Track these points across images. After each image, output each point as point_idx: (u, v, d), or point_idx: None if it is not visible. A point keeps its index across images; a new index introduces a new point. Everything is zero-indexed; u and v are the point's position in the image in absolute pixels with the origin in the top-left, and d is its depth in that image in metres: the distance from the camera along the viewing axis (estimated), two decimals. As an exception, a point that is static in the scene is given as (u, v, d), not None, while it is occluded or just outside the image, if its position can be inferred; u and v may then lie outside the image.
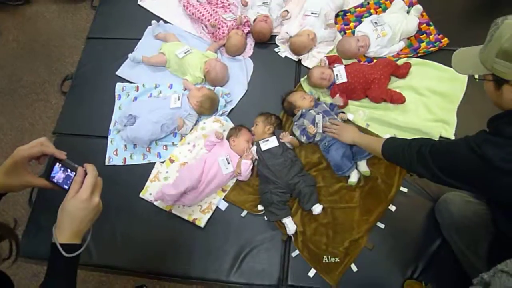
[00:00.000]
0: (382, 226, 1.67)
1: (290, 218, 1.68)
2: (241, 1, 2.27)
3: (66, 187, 0.92)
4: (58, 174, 0.94)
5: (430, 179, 1.25)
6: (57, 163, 0.94)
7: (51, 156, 0.95)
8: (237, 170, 1.76)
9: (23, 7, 2.67)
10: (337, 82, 1.91)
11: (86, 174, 0.91)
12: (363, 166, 1.76)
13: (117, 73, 2.20)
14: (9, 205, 2.03)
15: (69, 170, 0.94)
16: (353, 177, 1.73)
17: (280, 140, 1.77)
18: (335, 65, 1.97)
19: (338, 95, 1.90)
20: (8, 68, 2.50)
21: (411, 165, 1.30)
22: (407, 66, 1.99)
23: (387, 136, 1.80)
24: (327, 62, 2.01)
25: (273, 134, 1.83)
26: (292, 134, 1.87)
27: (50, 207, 1.79)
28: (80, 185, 0.90)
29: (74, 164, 0.94)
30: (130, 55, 2.19)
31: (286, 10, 2.20)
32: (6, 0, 2.65)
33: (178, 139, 1.96)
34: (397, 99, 1.90)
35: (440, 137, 1.83)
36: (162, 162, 1.90)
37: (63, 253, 0.85)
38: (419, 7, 2.09)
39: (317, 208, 1.66)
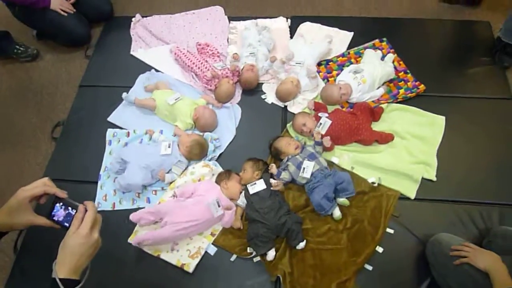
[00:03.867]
0: (370, 268, 1.68)
1: (274, 250, 1.70)
2: (232, 55, 2.39)
3: (66, 224, 0.96)
4: (59, 212, 0.98)
5: None
6: (58, 202, 0.98)
7: (52, 195, 0.99)
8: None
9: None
10: (320, 131, 1.99)
11: (86, 211, 0.95)
12: (343, 200, 1.80)
13: (108, 119, 2.25)
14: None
15: (69, 208, 0.98)
16: (336, 213, 1.77)
17: (273, 188, 1.81)
18: (320, 113, 2.06)
19: (327, 137, 1.96)
20: (-1, 115, 2.54)
21: None
22: (380, 111, 2.10)
23: (372, 179, 1.88)
24: (313, 105, 2.11)
25: (260, 178, 1.87)
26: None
27: (35, 253, 1.80)
28: (81, 221, 0.94)
29: (75, 202, 0.98)
30: (124, 94, 2.25)
31: (274, 56, 2.33)
32: (18, 56, 2.74)
33: (167, 183, 1.98)
34: (387, 136, 2.01)
35: (423, 178, 1.90)
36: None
37: None
38: (391, 55, 2.25)
39: (301, 244, 1.70)
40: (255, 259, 1.72)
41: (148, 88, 2.34)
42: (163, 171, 1.93)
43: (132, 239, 1.81)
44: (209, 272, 1.73)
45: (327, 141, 1.95)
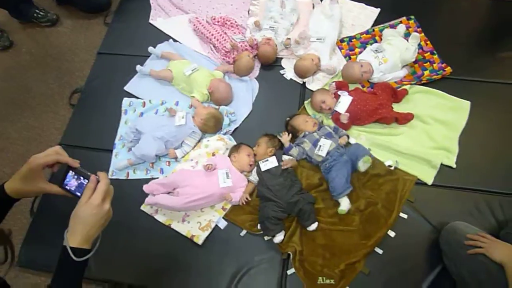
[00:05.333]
0: (380, 251, 1.67)
1: (283, 233, 1.68)
2: (254, 22, 2.33)
3: (78, 194, 0.97)
4: (71, 181, 0.98)
5: None
6: (71, 171, 0.99)
7: (65, 164, 0.99)
8: (228, 197, 1.76)
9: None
10: (338, 110, 1.94)
11: (98, 181, 0.95)
12: (361, 164, 1.74)
13: (125, 88, 2.24)
14: (10, 214, 2.05)
15: (82, 178, 0.98)
16: (343, 205, 1.71)
17: (283, 166, 1.78)
18: (340, 92, 2.01)
19: (346, 113, 1.92)
20: (18, 79, 2.56)
21: None
22: (403, 92, 2.03)
23: (389, 162, 1.83)
24: (335, 87, 2.05)
25: (273, 155, 1.85)
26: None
27: (50, 218, 1.84)
28: (93, 191, 0.94)
29: (87, 172, 0.98)
30: (138, 66, 2.24)
31: (289, 38, 2.24)
32: (37, 21, 2.74)
33: (181, 155, 1.98)
34: (407, 115, 1.95)
35: (442, 164, 1.84)
36: (165, 177, 1.92)
37: (73, 256, 0.89)
38: (416, 35, 2.12)
39: (313, 225, 1.69)
40: (266, 238, 1.72)
41: (163, 54, 2.30)
42: (173, 150, 1.94)
43: (145, 207, 1.84)
44: (218, 246, 1.74)
45: (345, 118, 1.90)
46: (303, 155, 1.86)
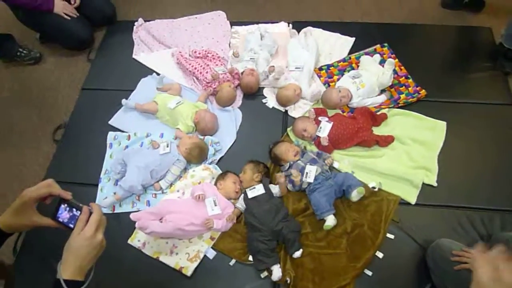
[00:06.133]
0: (369, 273, 1.67)
1: (278, 265, 1.67)
2: (233, 53, 2.40)
3: (71, 226, 0.97)
4: (64, 213, 0.98)
5: None
6: (63, 203, 0.99)
7: (57, 196, 0.99)
8: (209, 224, 1.75)
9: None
10: (320, 135, 2.00)
11: (91, 213, 0.95)
12: (355, 194, 1.78)
13: (109, 122, 2.26)
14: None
15: (74, 210, 0.98)
16: (329, 221, 1.74)
17: (277, 180, 1.81)
18: (320, 118, 2.07)
19: (325, 137, 1.97)
20: (1, 116, 2.55)
21: None
22: (383, 116, 2.10)
23: (372, 184, 1.87)
24: (314, 113, 2.11)
25: (260, 182, 1.87)
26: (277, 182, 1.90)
27: (33, 257, 1.79)
28: (85, 223, 0.94)
29: (79, 203, 0.98)
30: (123, 100, 2.26)
31: (273, 66, 2.32)
32: (21, 59, 2.77)
33: (166, 186, 1.98)
34: (387, 137, 2.01)
35: (423, 183, 1.89)
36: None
37: None
38: (391, 61, 2.21)
39: (297, 253, 1.68)
40: (262, 275, 1.70)
41: (163, 89, 2.33)
42: (158, 183, 1.95)
43: (132, 241, 1.81)
44: (208, 276, 1.72)
45: (324, 140, 1.95)
46: (297, 186, 1.87)
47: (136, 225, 1.73)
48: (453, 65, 2.38)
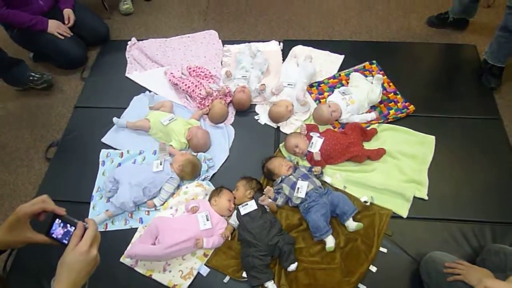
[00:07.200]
0: (363, 287, 1.67)
1: (273, 282, 1.66)
2: (225, 72, 2.44)
3: (65, 241, 0.96)
4: (58, 229, 0.98)
5: None
6: (57, 219, 0.98)
7: (51, 212, 0.99)
8: (199, 244, 1.75)
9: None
10: (312, 151, 2.02)
11: (85, 228, 0.95)
12: (352, 224, 1.79)
13: (102, 140, 2.26)
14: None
15: (68, 226, 0.97)
16: (330, 243, 1.74)
17: (260, 202, 1.81)
18: (312, 133, 2.10)
19: (317, 152, 1.99)
20: (-7, 135, 2.54)
21: None
22: (373, 131, 2.14)
23: (364, 198, 1.89)
24: (305, 129, 2.13)
25: (252, 198, 1.87)
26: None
27: (24, 275, 1.76)
28: (79, 238, 0.94)
29: (74, 219, 0.98)
30: (114, 119, 2.27)
31: (264, 84, 2.36)
32: (34, 84, 2.70)
33: (160, 203, 1.98)
34: (378, 151, 2.04)
35: (415, 197, 1.91)
36: (145, 226, 1.90)
37: None
38: (379, 76, 2.27)
39: (292, 266, 1.68)
40: None
41: (155, 107, 2.35)
42: (151, 201, 1.95)
43: (124, 259, 1.80)
44: (202, 294, 1.70)
45: (317, 156, 1.97)
46: (286, 199, 1.90)
47: (126, 255, 1.75)
48: (440, 81, 2.45)
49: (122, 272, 1.77)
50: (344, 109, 2.16)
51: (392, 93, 2.33)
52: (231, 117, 2.35)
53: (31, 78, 2.67)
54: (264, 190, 1.90)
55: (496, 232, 1.79)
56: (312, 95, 2.38)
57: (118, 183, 1.94)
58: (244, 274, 1.71)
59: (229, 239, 1.81)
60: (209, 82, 2.41)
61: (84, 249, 0.92)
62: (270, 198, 1.87)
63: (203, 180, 2.05)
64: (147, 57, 2.74)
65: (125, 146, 2.23)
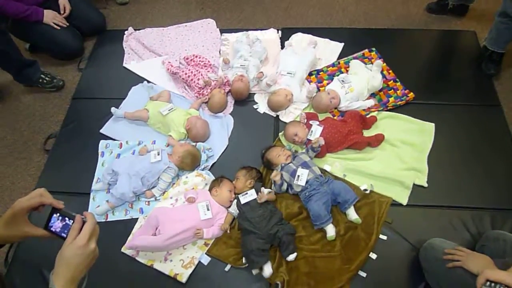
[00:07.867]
0: (364, 275, 1.68)
1: (269, 264, 1.68)
2: (223, 59, 2.42)
3: (64, 235, 0.96)
4: (56, 223, 0.97)
5: None
6: (55, 213, 0.98)
7: (49, 206, 0.98)
8: (199, 235, 1.76)
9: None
10: (311, 139, 2.01)
11: (84, 222, 0.95)
12: (352, 214, 1.79)
13: (101, 131, 2.25)
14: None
15: (67, 219, 0.97)
16: (330, 232, 1.75)
17: (258, 200, 1.81)
18: (311, 121, 2.09)
19: (320, 137, 1.98)
20: (-10, 127, 2.53)
21: None
22: (373, 119, 2.14)
23: (364, 186, 1.89)
24: (305, 117, 2.13)
25: (253, 187, 1.88)
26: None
27: (25, 268, 1.77)
28: (78, 232, 0.93)
29: (72, 212, 0.98)
30: (113, 109, 2.26)
31: (261, 72, 2.34)
32: (42, 86, 2.65)
33: (159, 193, 1.98)
34: (378, 136, 2.04)
35: (414, 184, 1.92)
36: (146, 217, 1.90)
37: None
38: (379, 63, 2.26)
39: (291, 256, 1.69)
40: (254, 272, 1.70)
41: (153, 98, 2.33)
42: (150, 191, 1.95)
43: (125, 249, 1.80)
44: (203, 282, 1.72)
45: (322, 140, 1.95)
46: (286, 185, 1.90)
47: (127, 246, 1.76)
48: (440, 68, 2.44)
49: (123, 262, 1.78)
50: (343, 97, 2.15)
51: (392, 81, 2.32)
52: (230, 107, 2.34)
53: (40, 80, 2.63)
54: (271, 175, 1.90)
55: (495, 218, 1.80)
56: (311, 83, 2.37)
57: (117, 175, 1.94)
58: (244, 261, 1.72)
59: (228, 232, 1.82)
60: (208, 71, 2.40)
61: (83, 242, 0.92)
62: (276, 183, 1.88)
63: (203, 170, 2.05)
64: (145, 46, 2.71)
65: (124, 137, 2.22)
